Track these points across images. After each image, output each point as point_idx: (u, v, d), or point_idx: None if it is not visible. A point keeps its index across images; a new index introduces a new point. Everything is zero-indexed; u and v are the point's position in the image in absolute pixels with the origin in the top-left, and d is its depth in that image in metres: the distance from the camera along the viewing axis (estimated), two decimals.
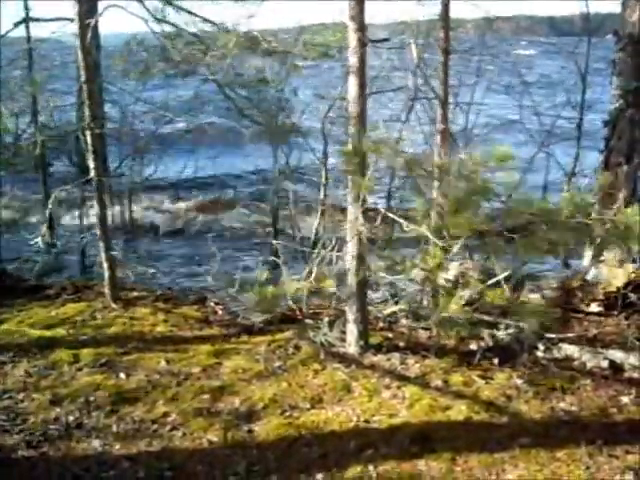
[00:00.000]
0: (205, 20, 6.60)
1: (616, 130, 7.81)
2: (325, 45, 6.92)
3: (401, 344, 5.86)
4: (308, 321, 6.27)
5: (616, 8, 7.97)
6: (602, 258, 6.91)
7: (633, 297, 6.48)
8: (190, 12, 5.78)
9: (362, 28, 5.21)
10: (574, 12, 11.21)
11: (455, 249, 4.99)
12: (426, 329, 6.08)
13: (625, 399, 5.18)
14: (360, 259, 5.32)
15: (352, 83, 5.26)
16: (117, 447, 4.53)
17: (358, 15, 5.18)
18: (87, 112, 6.61)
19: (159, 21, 6.24)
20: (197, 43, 6.34)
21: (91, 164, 6.75)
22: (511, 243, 4.74)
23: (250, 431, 4.70)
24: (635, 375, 5.54)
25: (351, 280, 5.53)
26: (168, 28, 6.48)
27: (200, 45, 6.25)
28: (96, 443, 4.56)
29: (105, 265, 6.98)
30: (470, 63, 10.82)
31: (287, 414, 4.89)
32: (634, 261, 7.06)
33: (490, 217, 4.93)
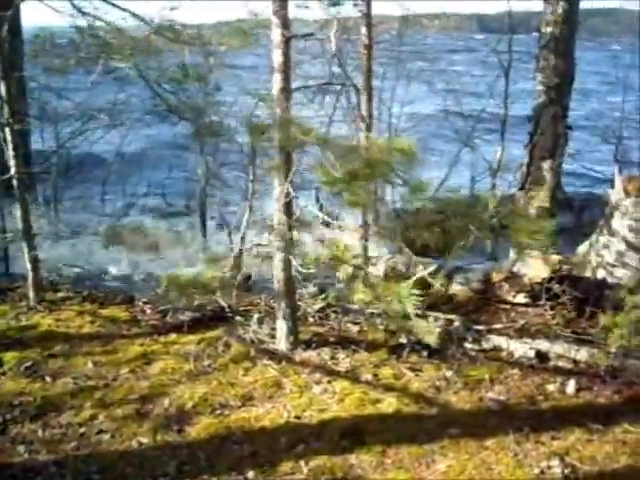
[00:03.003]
0: (132, 14, 6.49)
1: (539, 125, 7.99)
2: (245, 33, 6.86)
3: (331, 339, 5.87)
4: (238, 318, 6.24)
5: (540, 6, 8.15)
6: (527, 250, 7.04)
7: (557, 288, 6.62)
8: (113, 4, 5.68)
9: (285, 23, 5.19)
10: (503, 10, 11.40)
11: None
12: (356, 323, 6.11)
13: (551, 387, 5.29)
14: (286, 254, 5.30)
15: (276, 78, 5.23)
16: (43, 452, 4.42)
17: (281, 10, 5.15)
18: (6, 108, 6.44)
19: (79, 12, 6.10)
20: (118, 36, 6.21)
21: (11, 161, 6.59)
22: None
23: (180, 431, 4.64)
24: (560, 363, 5.66)
25: (279, 276, 5.51)
26: (83, 22, 6.34)
27: (122, 39, 6.13)
28: (21, 449, 4.44)
29: (29, 266, 6.81)
30: (391, 59, 10.93)
31: (217, 413, 4.85)
32: (558, 253, 7.22)
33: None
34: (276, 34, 5.22)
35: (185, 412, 4.87)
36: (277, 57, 5.25)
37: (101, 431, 4.64)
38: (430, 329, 4.93)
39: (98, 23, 6.14)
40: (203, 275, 5.49)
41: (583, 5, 8.73)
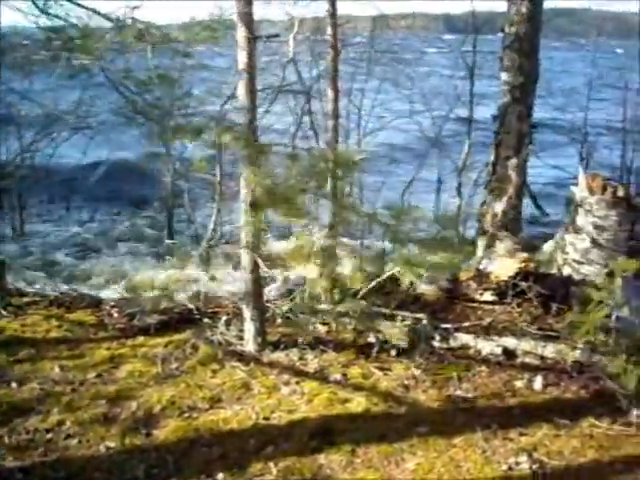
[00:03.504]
0: (95, 13, 6.43)
1: (504, 124, 8.04)
2: (212, 29, 6.83)
3: (299, 340, 5.85)
4: (206, 320, 6.21)
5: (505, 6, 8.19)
6: (494, 248, 7.10)
7: (524, 285, 6.67)
8: (75, 2, 5.61)
9: (250, 24, 5.18)
10: (469, 10, 11.49)
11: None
12: (324, 324, 6.11)
13: (519, 383, 5.33)
14: (253, 255, 5.29)
15: (242, 79, 5.22)
16: (10, 459, 4.34)
17: (246, 11, 5.14)
18: None
19: (42, 12, 6.02)
20: (82, 36, 6.15)
21: None
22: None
23: (149, 435, 4.60)
24: (527, 360, 5.70)
25: (246, 277, 5.49)
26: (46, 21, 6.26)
27: (87, 38, 6.06)
28: None
29: None
30: (360, 60, 10.96)
31: (186, 415, 4.82)
32: (525, 250, 7.28)
33: None
34: (241, 35, 5.20)
35: (153, 415, 4.83)
36: (242, 58, 5.23)
37: (68, 436, 4.59)
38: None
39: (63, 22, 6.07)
40: (169, 278, 5.47)
41: (548, 5, 8.84)
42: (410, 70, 12.22)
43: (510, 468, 4.26)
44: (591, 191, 6.70)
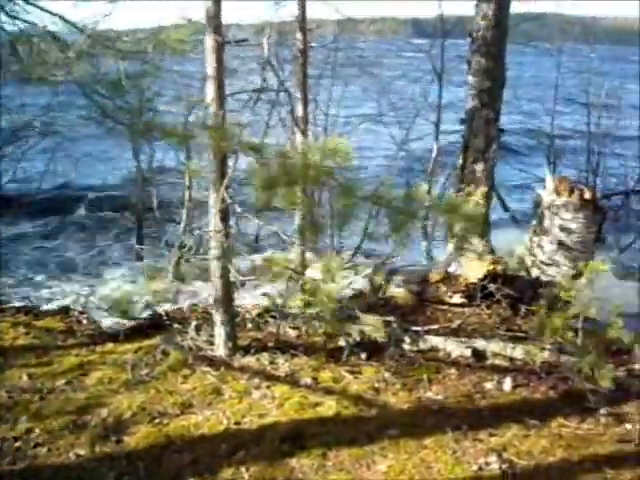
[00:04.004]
0: (61, 18, 6.37)
1: (472, 128, 8.09)
2: (182, 41, 6.81)
3: (270, 344, 5.85)
4: (176, 326, 6.17)
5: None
6: (463, 251, 7.13)
7: (492, 287, 6.73)
8: (42, 8, 5.55)
9: (219, 29, 5.17)
10: (438, 14, 11.51)
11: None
12: (295, 328, 6.11)
13: (488, 385, 5.38)
14: (223, 260, 5.28)
15: (210, 84, 5.21)
16: None
17: (215, 15, 5.14)
18: None
19: (8, 16, 5.96)
20: (51, 43, 6.08)
21: None
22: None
23: (119, 441, 4.57)
24: (497, 361, 5.76)
25: (216, 282, 5.48)
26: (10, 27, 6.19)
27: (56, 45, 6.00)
28: None
29: None
30: (327, 64, 10.98)
31: (156, 421, 4.79)
32: (492, 252, 7.35)
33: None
34: (209, 40, 5.19)
35: (123, 422, 4.80)
36: (211, 63, 5.23)
37: (37, 444, 4.53)
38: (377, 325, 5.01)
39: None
40: (143, 289, 5.44)
41: (517, 9, 8.92)
42: (377, 73, 12.25)
43: (480, 468, 4.30)
44: (558, 194, 6.78)
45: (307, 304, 5.13)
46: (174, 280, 5.81)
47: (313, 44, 9.67)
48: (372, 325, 5.39)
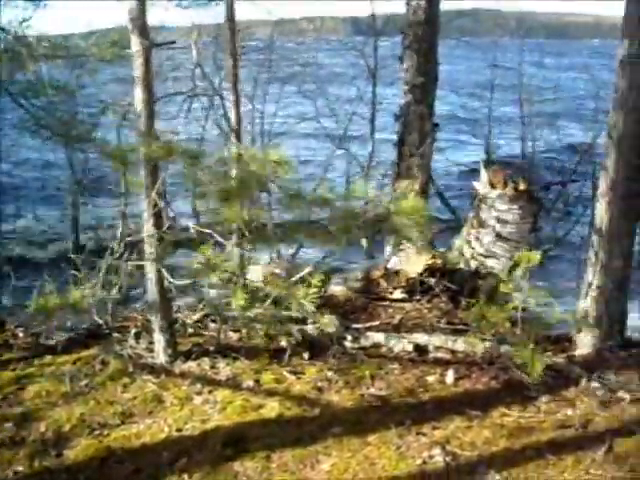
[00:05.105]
0: None
1: (407, 124, 8.14)
2: (115, 45, 6.71)
3: (211, 348, 5.78)
4: (115, 335, 6.07)
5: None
6: (402, 246, 7.17)
7: (432, 281, 6.77)
8: None
9: (145, 31, 5.09)
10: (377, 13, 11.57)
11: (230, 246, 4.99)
12: (236, 331, 6.06)
13: (431, 378, 5.41)
14: (158, 266, 5.20)
15: (138, 87, 5.13)
16: None
17: (139, 17, 5.05)
18: None
19: None
20: None
21: None
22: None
23: (59, 455, 4.48)
24: (439, 355, 5.80)
25: (152, 288, 5.40)
26: None
27: None
28: None
29: None
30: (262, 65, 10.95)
31: (97, 433, 4.70)
32: (432, 247, 7.39)
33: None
34: (135, 43, 5.11)
35: (63, 435, 4.70)
36: (138, 67, 5.14)
37: None
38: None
39: None
40: (73, 296, 5.31)
41: (454, 5, 9.02)
42: (313, 72, 12.27)
43: (424, 462, 4.31)
44: (493, 186, 6.83)
45: (247, 306, 5.07)
46: (106, 288, 5.69)
47: (243, 44, 9.62)
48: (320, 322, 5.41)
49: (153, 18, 5.46)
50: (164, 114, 9.49)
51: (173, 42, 5.78)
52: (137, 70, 5.14)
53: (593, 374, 5.40)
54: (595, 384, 5.27)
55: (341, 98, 12.76)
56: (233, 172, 4.81)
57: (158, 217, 5.19)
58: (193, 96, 6.96)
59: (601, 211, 5.88)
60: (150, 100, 5.15)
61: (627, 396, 5.13)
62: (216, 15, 8.59)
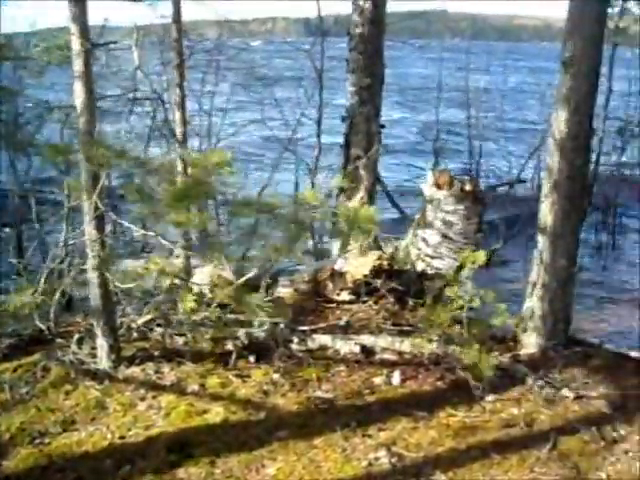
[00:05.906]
0: None
1: (353, 125, 8.14)
2: (62, 49, 6.61)
3: (156, 353, 5.69)
4: (58, 340, 5.95)
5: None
6: (349, 248, 7.16)
7: (379, 283, 6.78)
8: None
9: (85, 31, 5.00)
10: (328, 13, 11.55)
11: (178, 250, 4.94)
12: (181, 335, 5.98)
13: (377, 380, 5.42)
14: (101, 270, 5.11)
15: (78, 89, 5.03)
16: None
17: (80, 17, 4.96)
18: None
19: None
20: None
21: None
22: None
23: None
24: (386, 356, 5.80)
25: (94, 292, 5.31)
26: None
27: None
28: None
29: None
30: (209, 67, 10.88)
31: (37, 442, 4.60)
32: (379, 248, 7.40)
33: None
34: (75, 43, 5.01)
35: (1, 445, 4.59)
36: (78, 67, 5.05)
37: None
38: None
39: None
40: (14, 301, 5.20)
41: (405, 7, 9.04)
42: (263, 74, 12.23)
43: (370, 464, 4.33)
44: (438, 187, 6.86)
45: (192, 310, 5.02)
46: (47, 293, 5.58)
47: (191, 43, 9.54)
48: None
49: (96, 17, 5.38)
50: (109, 115, 9.40)
51: (115, 42, 5.69)
52: (77, 71, 5.05)
53: (538, 373, 5.46)
54: (540, 383, 5.33)
55: (291, 100, 12.71)
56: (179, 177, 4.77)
57: (100, 220, 5.10)
58: (134, 99, 6.89)
59: (545, 211, 5.94)
60: (91, 101, 5.07)
61: (571, 394, 5.20)
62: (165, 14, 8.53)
